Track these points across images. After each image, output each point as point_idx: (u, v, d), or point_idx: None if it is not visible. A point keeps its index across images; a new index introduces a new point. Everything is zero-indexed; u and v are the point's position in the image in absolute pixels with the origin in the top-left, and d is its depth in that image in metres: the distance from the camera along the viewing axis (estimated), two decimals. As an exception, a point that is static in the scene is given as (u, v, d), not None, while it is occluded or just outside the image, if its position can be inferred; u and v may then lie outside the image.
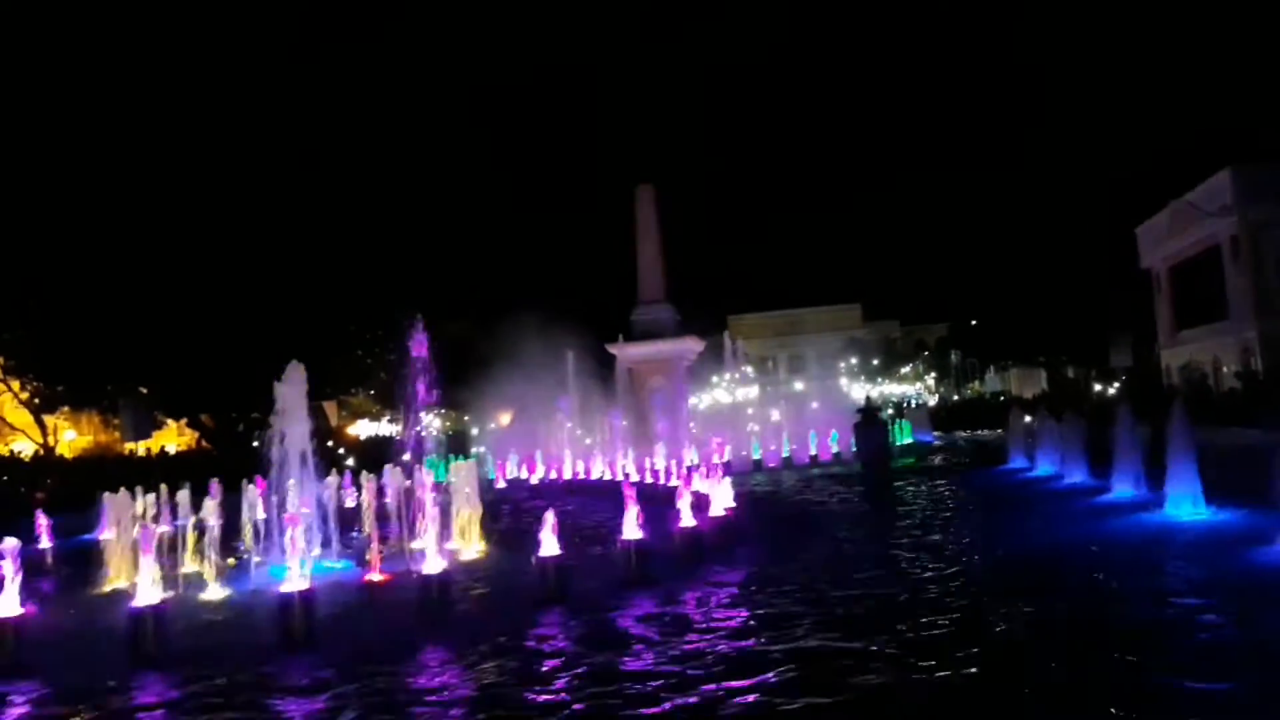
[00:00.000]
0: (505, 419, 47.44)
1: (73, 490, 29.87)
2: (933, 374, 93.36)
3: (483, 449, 41.82)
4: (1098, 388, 57.46)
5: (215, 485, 18.56)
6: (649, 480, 25.19)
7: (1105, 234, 57.25)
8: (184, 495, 20.59)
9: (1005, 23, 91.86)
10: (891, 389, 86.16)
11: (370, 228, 44.96)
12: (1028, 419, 29.33)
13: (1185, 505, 14.42)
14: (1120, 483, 17.43)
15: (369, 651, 9.89)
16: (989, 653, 8.33)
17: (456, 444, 42.01)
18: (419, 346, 15.11)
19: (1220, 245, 49.41)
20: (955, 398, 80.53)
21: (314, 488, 15.78)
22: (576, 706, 7.62)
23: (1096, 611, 9.52)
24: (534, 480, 33.45)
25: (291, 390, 15.47)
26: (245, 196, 38.72)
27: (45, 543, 18.78)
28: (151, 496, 19.38)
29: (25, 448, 48.11)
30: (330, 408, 59.85)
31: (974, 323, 79.04)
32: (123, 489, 17.49)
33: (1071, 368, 66.42)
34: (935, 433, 47.23)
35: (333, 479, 16.54)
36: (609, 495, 19.99)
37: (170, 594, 11.59)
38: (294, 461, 15.19)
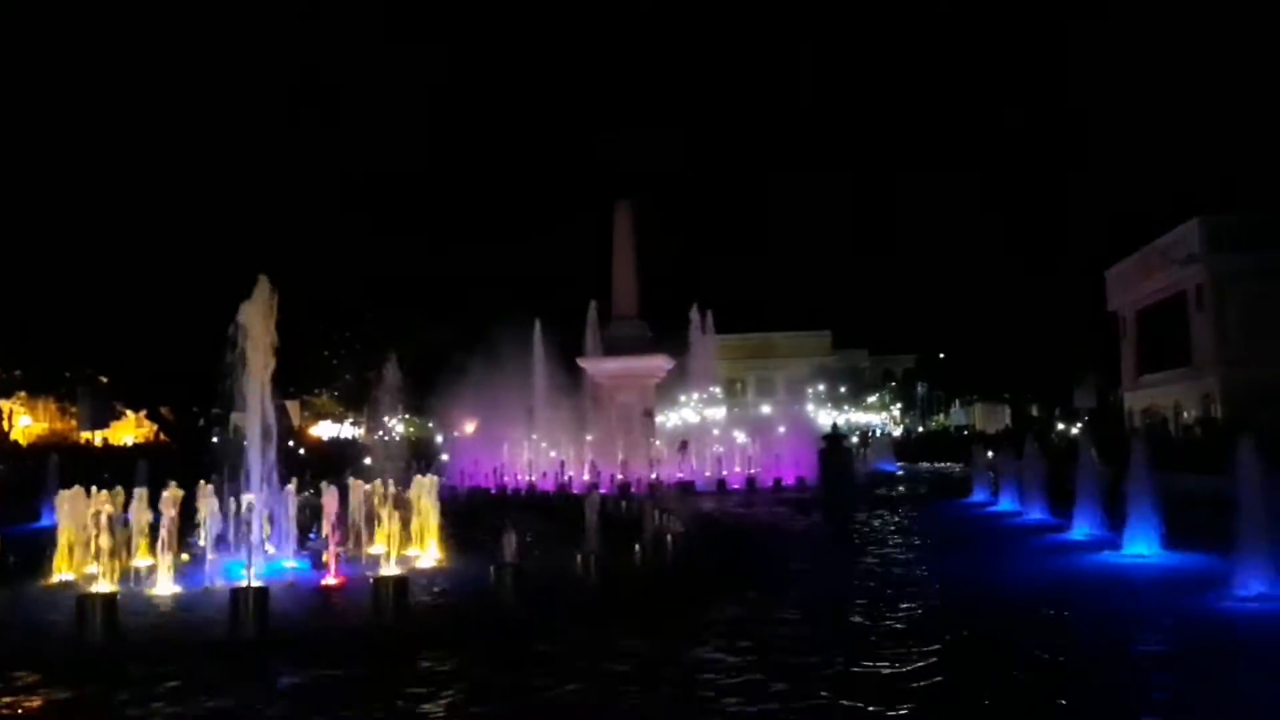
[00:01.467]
0: (470, 427, 47.13)
1: (25, 477, 29.29)
2: (899, 404, 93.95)
3: (444, 458, 41.56)
4: (1060, 426, 58.07)
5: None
6: (616, 492, 25.09)
7: (1074, 275, 58.01)
8: (139, 489, 20.20)
9: (980, 58, 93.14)
10: (858, 417, 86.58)
11: (344, 227, 44.67)
12: (990, 454, 29.58)
13: (1143, 546, 14.57)
14: (1080, 521, 17.58)
15: (316, 649, 9.75)
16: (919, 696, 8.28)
17: (420, 450, 41.69)
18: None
19: (1186, 293, 50.16)
20: (920, 429, 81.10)
21: (272, 488, 15.59)
22: None
23: (1045, 652, 9.51)
24: (495, 490, 33.25)
25: (256, 311, 15.34)
26: (217, 187, 38.38)
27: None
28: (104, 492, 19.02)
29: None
30: (293, 407, 59.20)
31: (941, 356, 79.75)
32: (77, 486, 17.12)
33: (1035, 405, 67.12)
34: (899, 463, 47.51)
35: (293, 484, 16.31)
36: (570, 509, 19.87)
37: (119, 588, 11.36)
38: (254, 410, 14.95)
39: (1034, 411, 66.70)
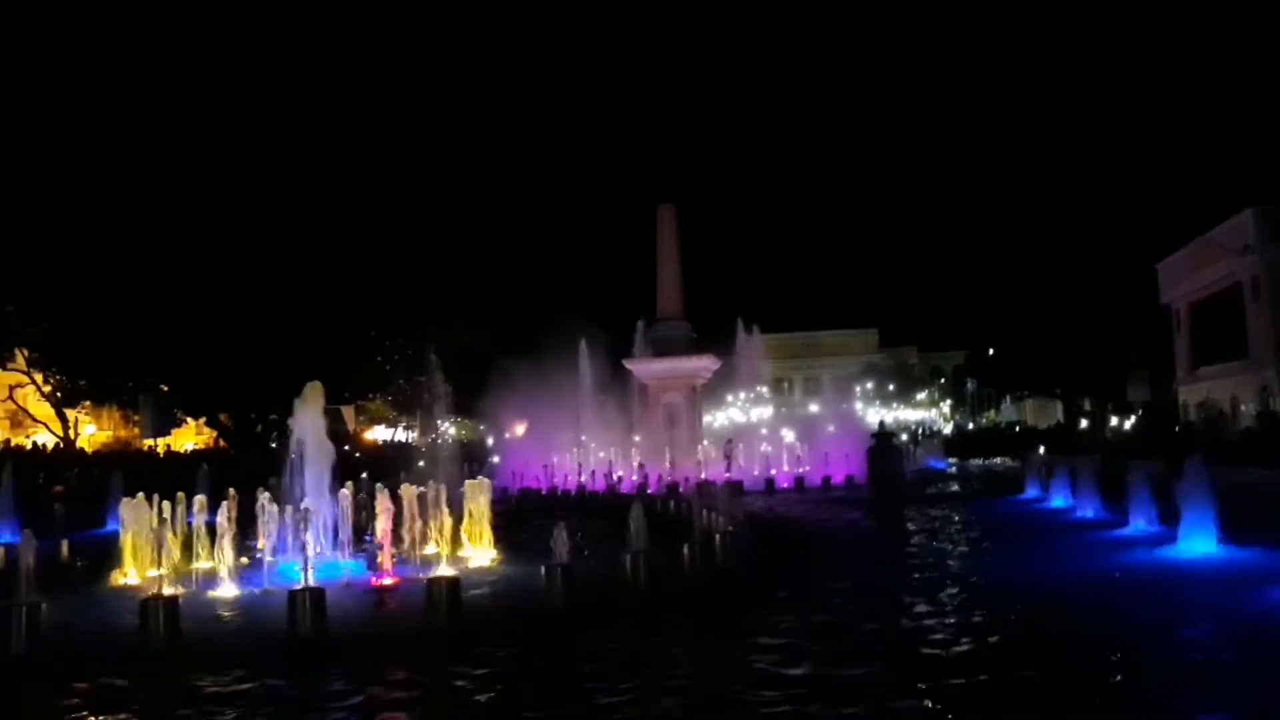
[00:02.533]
0: (520, 429, 47.57)
1: (91, 485, 30.16)
2: (948, 401, 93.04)
3: (495, 460, 42.00)
4: (1114, 422, 57.12)
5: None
6: (664, 492, 25.23)
7: (1125, 268, 56.96)
8: (199, 496, 20.76)
9: (1032, 50, 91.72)
10: (907, 415, 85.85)
11: (392, 235, 45.23)
12: (1041, 450, 29.26)
13: (1200, 542, 14.35)
14: (1136, 518, 17.34)
15: (373, 649, 10.01)
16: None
17: (471, 453, 42.17)
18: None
19: (1241, 284, 49.14)
20: (970, 426, 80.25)
21: (328, 494, 15.96)
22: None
23: (1107, 650, 9.48)
24: (545, 491, 33.54)
25: (308, 410, 15.91)
26: (270, 200, 39.09)
27: (62, 534, 18.94)
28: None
29: (47, 440, 48.55)
30: (348, 412, 60.12)
31: (991, 352, 78.73)
32: (140, 495, 17.65)
33: (1088, 400, 66.05)
34: (949, 460, 47.12)
35: (348, 488, 16.68)
36: (619, 510, 20.04)
37: (182, 590, 11.72)
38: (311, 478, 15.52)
39: (1086, 406, 65.65)
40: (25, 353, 45.10)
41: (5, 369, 44.32)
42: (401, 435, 65.39)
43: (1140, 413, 53.79)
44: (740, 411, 58.72)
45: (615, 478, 32.83)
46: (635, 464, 33.62)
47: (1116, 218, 54.87)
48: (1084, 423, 60.72)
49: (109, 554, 16.88)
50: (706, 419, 44.38)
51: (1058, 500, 23.02)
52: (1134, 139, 60.68)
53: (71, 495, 25.55)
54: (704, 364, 40.23)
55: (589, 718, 7.81)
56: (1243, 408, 47.67)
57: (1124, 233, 55.28)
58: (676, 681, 8.75)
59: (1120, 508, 18.09)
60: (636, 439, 36.02)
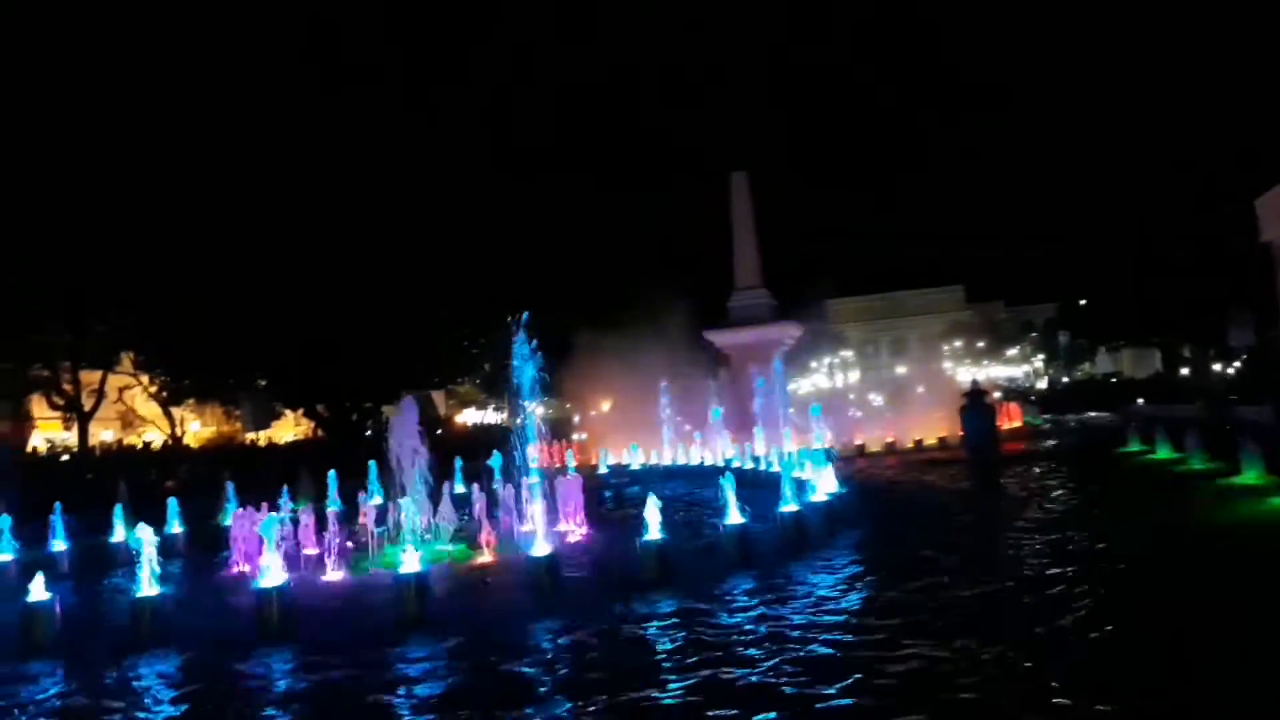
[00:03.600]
0: (606, 405, 47.93)
1: (200, 478, 31.40)
2: (1041, 356, 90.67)
3: (583, 436, 42.41)
4: (1216, 368, 55.01)
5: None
6: (749, 465, 25.21)
7: (1221, 205, 54.56)
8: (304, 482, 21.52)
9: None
10: (998, 371, 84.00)
11: (475, 220, 45.89)
12: (1141, 401, 28.34)
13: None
14: (1248, 466, 16.73)
15: (480, 628, 10.30)
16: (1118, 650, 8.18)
17: (558, 431, 42.64)
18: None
19: (1351, 215, 46.73)
20: (1065, 380, 78.14)
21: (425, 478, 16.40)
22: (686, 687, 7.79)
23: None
24: (635, 466, 33.75)
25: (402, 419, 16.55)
26: (356, 199, 39.90)
27: (177, 528, 19.78)
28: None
29: (155, 438, 50.62)
30: (438, 397, 61.31)
31: (1082, 302, 76.36)
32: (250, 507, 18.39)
33: (1188, 347, 63.67)
34: (1045, 415, 46.00)
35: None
36: (709, 480, 20.11)
37: (292, 575, 12.16)
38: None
39: (1186, 354, 63.33)
40: (132, 356, 47.00)
41: (114, 372, 46.23)
42: (492, 417, 66.50)
43: (1245, 358, 51.71)
44: (826, 377, 58.22)
45: (703, 448, 32.83)
46: (723, 434, 33.57)
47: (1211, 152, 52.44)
48: (1185, 371, 58.65)
49: (223, 543, 17.64)
50: (792, 386, 44.04)
51: (1163, 452, 22.31)
52: (1229, 69, 57.97)
53: (183, 490, 26.59)
54: (786, 332, 39.96)
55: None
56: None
57: (1219, 168, 52.87)
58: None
59: (1231, 457, 17.46)
60: (723, 410, 35.98)
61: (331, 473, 21.84)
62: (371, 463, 19.81)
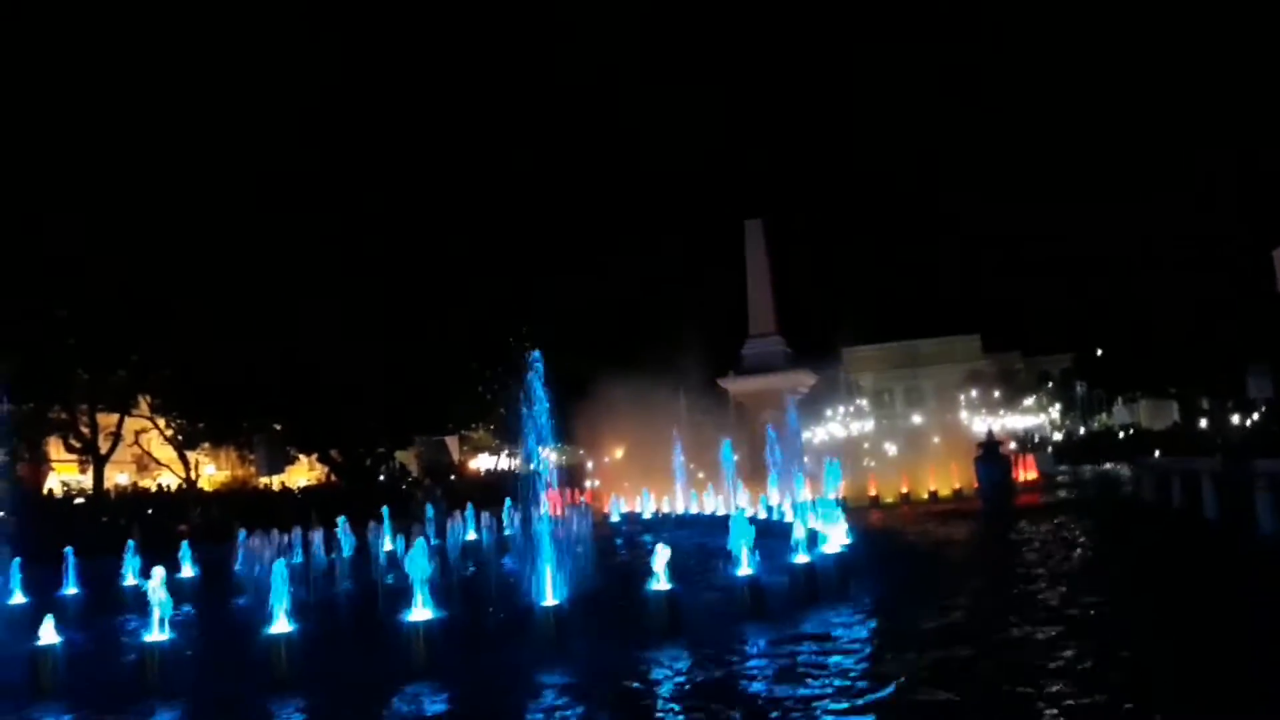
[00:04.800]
0: (618, 452, 47.87)
1: (213, 521, 31.45)
2: (1057, 406, 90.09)
3: (596, 483, 42.28)
4: (1235, 420, 54.56)
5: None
6: (761, 515, 25.05)
7: (1238, 257, 54.50)
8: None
9: (1135, 37, 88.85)
10: (1014, 422, 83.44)
11: (490, 266, 46.29)
12: (1157, 454, 28.16)
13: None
14: (1265, 520, 16.56)
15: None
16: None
17: (570, 478, 42.53)
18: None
19: (1369, 267, 46.57)
20: (1082, 430, 77.59)
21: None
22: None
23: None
24: (646, 515, 33.58)
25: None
26: (371, 242, 40.37)
27: (189, 572, 19.80)
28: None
29: (170, 481, 50.78)
30: (452, 443, 61.40)
31: (1099, 352, 76.07)
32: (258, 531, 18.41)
33: (1205, 399, 63.21)
34: (1061, 467, 45.67)
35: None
36: (721, 530, 19.98)
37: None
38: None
39: (1204, 405, 62.85)
40: (149, 399, 47.34)
41: (131, 415, 46.55)
42: (505, 463, 66.43)
43: (1264, 409, 51.32)
44: (841, 426, 57.95)
45: (716, 498, 32.64)
46: (736, 484, 33.38)
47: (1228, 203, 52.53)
48: (1203, 422, 58.20)
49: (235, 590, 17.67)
50: (806, 435, 43.90)
51: (1178, 503, 22.10)
52: (1247, 117, 58.17)
53: (195, 533, 26.65)
54: (800, 379, 39.90)
55: None
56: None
57: (1235, 219, 52.97)
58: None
59: (1248, 511, 17.29)
60: (735, 458, 35.87)
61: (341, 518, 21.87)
62: (384, 509, 19.85)
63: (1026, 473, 37.93)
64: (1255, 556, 15.13)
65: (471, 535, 22.73)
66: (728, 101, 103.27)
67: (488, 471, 61.59)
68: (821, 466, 29.37)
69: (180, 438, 49.27)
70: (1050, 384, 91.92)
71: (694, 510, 32.25)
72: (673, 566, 12.09)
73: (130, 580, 18.68)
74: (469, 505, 23.84)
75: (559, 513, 17.72)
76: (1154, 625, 10.95)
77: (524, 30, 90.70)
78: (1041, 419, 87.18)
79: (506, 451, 67.08)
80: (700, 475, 35.36)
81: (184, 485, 48.19)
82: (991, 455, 24.91)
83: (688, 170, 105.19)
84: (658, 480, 35.88)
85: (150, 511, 35.32)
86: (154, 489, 47.44)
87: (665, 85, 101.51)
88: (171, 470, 51.02)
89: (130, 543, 18.86)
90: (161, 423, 49.11)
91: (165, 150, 39.68)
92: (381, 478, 41.81)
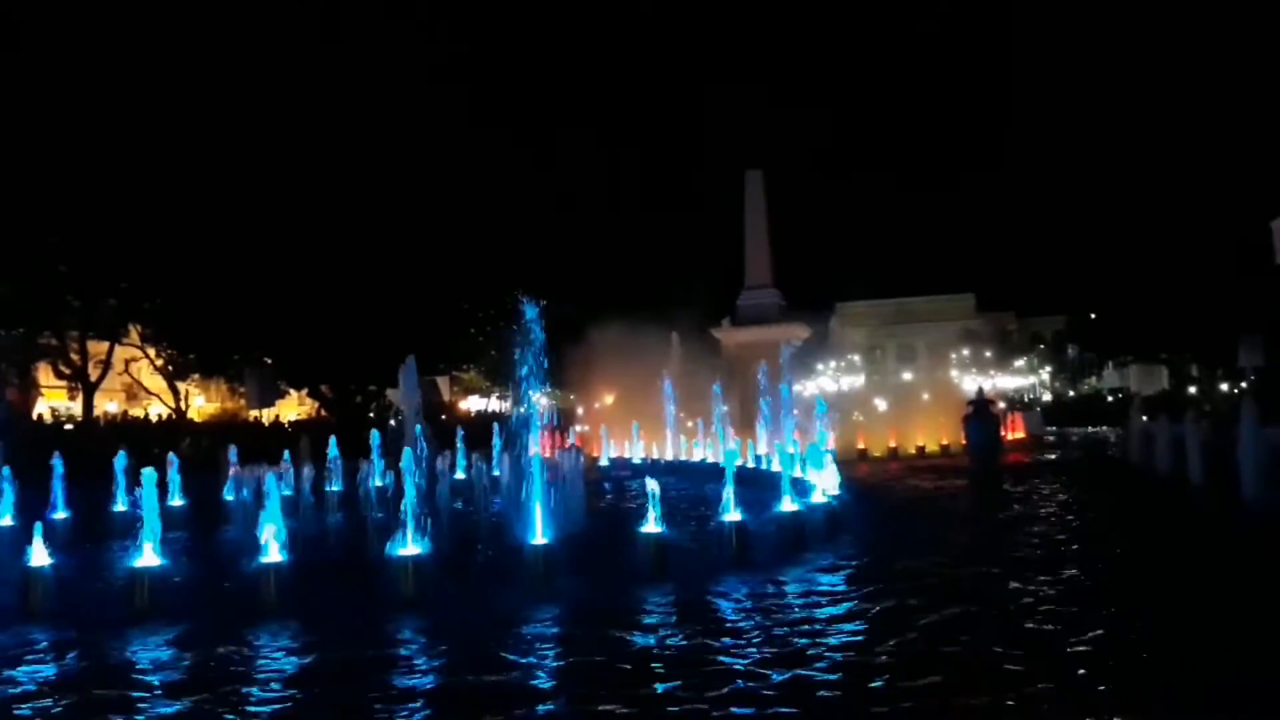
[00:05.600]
0: (609, 398, 47.96)
1: (202, 453, 31.48)
2: (1049, 368, 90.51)
3: (585, 428, 42.38)
4: (1224, 387, 54.88)
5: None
6: (750, 464, 25.19)
7: (1236, 226, 54.41)
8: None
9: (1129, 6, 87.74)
10: (1005, 382, 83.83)
11: (484, 208, 45.91)
12: (1145, 418, 28.33)
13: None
14: (1250, 487, 16.71)
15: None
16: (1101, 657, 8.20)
17: (561, 422, 42.61)
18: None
19: (1365, 240, 46.55)
20: (1072, 393, 78.02)
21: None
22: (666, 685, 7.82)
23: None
24: (636, 459, 33.73)
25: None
26: (366, 178, 40.00)
27: (179, 500, 19.85)
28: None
29: (160, 411, 50.81)
30: (443, 383, 61.46)
31: (1093, 316, 76.24)
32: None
33: (1196, 365, 63.54)
34: (1050, 428, 45.97)
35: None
36: (710, 476, 20.08)
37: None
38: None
39: (1194, 372, 63.19)
40: (139, 328, 47.16)
41: (121, 343, 46.39)
42: (495, 405, 66.59)
43: (1253, 378, 51.59)
44: (831, 380, 58.15)
45: (706, 445, 32.79)
46: (727, 433, 33.52)
47: (1228, 170, 52.31)
48: (1192, 389, 58.53)
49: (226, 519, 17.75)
50: (797, 388, 43.99)
51: (1164, 468, 22.28)
52: (1246, 86, 57.66)
53: (185, 464, 26.67)
54: (793, 332, 39.86)
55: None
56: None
57: (1235, 186, 52.77)
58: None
59: (1233, 476, 17.44)
60: (724, 408, 35.97)
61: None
62: (374, 431, 19.89)
63: (1015, 433, 38.17)
64: (1236, 520, 15.28)
65: (460, 475, 22.84)
66: (731, 53, 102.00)
67: (478, 413, 61.74)
68: (812, 418, 29.62)
69: (170, 368, 49.19)
70: (1042, 346, 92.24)
71: (684, 458, 32.44)
72: (661, 510, 12.17)
73: (119, 506, 18.73)
74: (459, 444, 23.91)
75: (549, 454, 17.79)
76: (1132, 579, 11.11)
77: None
78: (1032, 380, 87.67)
79: (497, 394, 67.23)
80: (690, 423, 35.49)
81: (173, 415, 48.20)
82: (981, 413, 24.99)
83: (688, 119, 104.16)
84: (648, 427, 35.98)
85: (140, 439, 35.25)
86: (143, 418, 47.45)
87: (667, 34, 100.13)
88: (161, 400, 51.01)
89: (119, 467, 18.82)
90: (152, 352, 48.98)
91: (154, 77, 39.03)
92: (372, 414, 41.88)
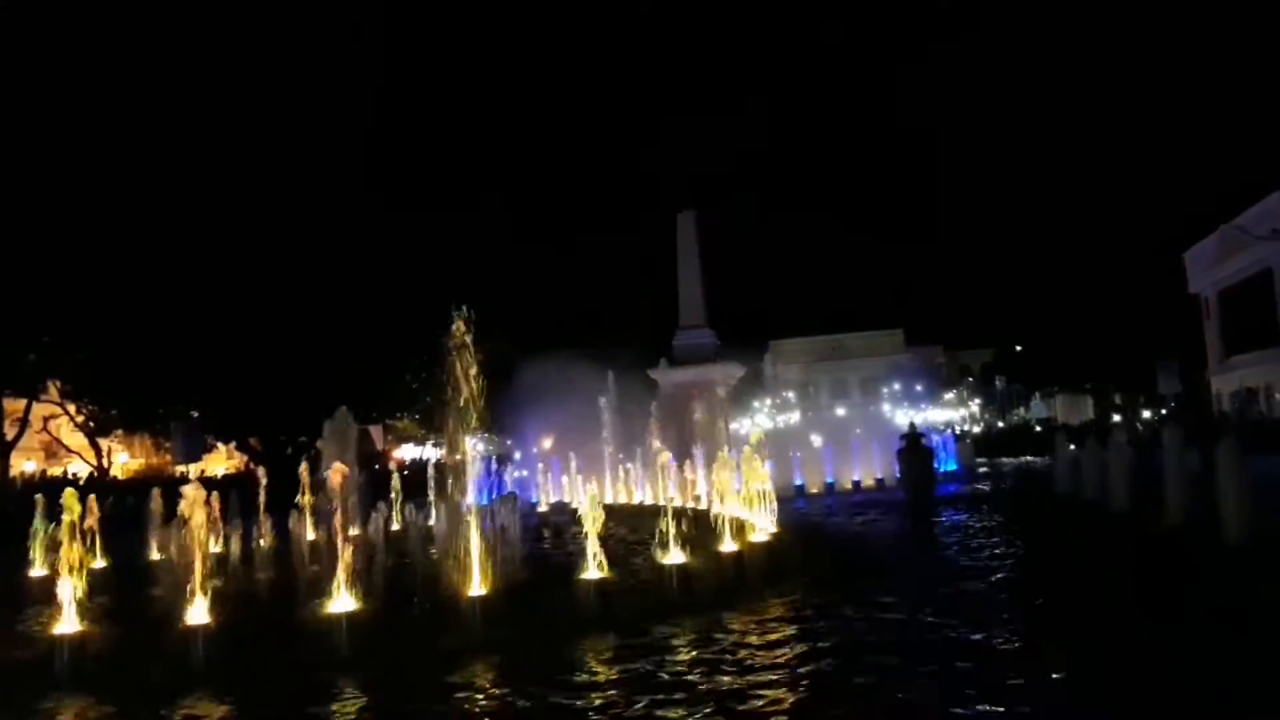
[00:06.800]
0: (546, 443, 47.65)
1: (126, 512, 30.44)
2: (977, 400, 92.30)
3: (521, 473, 42.00)
4: (1146, 414, 56.50)
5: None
6: (690, 505, 25.14)
7: (1152, 258, 56.48)
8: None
9: (1052, 43, 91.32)
10: (935, 415, 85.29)
11: (417, 253, 45.64)
12: (1072, 446, 28.98)
13: (1235, 533, 14.16)
14: (1171, 511, 17.15)
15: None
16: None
17: (498, 467, 42.17)
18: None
19: (1271, 269, 48.57)
20: (1001, 424, 79.60)
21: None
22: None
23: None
24: (574, 505, 33.43)
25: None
26: (299, 224, 39.54)
27: (100, 563, 19.11)
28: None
29: (81, 470, 49.16)
30: (376, 432, 60.56)
31: (1019, 348, 78.15)
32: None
33: (1119, 394, 65.38)
34: (980, 459, 46.76)
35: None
36: (649, 517, 19.95)
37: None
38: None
39: (1117, 400, 65.03)
40: (59, 385, 45.72)
41: (39, 400, 44.90)
42: (430, 453, 65.72)
43: (1172, 404, 53.25)
44: (767, 418, 58.58)
45: (644, 487, 32.71)
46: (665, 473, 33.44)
47: (1142, 207, 54.44)
48: (1116, 417, 60.14)
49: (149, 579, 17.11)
50: (734, 426, 44.20)
51: (1090, 495, 22.77)
52: (1158, 127, 60.11)
53: (107, 523, 25.76)
54: (729, 371, 40.16)
55: None
56: (1277, 395, 47.11)
57: (1149, 222, 54.90)
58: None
59: (1155, 500, 17.89)
60: (663, 448, 35.99)
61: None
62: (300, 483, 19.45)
63: (947, 464, 38.70)
64: (1162, 544, 15.64)
65: (396, 526, 22.42)
66: (660, 96, 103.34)
67: (413, 461, 60.85)
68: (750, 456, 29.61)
69: (92, 424, 47.72)
70: (970, 378, 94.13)
71: (622, 500, 32.29)
72: (601, 554, 12.07)
73: (37, 570, 17.96)
74: (393, 495, 23.51)
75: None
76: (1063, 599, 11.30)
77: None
78: (962, 412, 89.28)
79: (432, 441, 66.36)
80: (629, 466, 35.39)
81: (95, 474, 46.69)
82: (914, 447, 25.26)
83: (626, 162, 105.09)
84: (587, 469, 35.78)
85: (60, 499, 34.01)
86: (63, 476, 45.86)
87: (597, 79, 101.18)
88: (82, 458, 49.39)
89: (36, 531, 18.07)
90: (72, 408, 47.50)
91: (74, 120, 38.27)
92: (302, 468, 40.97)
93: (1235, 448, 14.77)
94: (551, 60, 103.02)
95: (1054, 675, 8.46)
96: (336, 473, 12.45)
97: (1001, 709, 7.52)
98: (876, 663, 9.21)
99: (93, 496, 17.03)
